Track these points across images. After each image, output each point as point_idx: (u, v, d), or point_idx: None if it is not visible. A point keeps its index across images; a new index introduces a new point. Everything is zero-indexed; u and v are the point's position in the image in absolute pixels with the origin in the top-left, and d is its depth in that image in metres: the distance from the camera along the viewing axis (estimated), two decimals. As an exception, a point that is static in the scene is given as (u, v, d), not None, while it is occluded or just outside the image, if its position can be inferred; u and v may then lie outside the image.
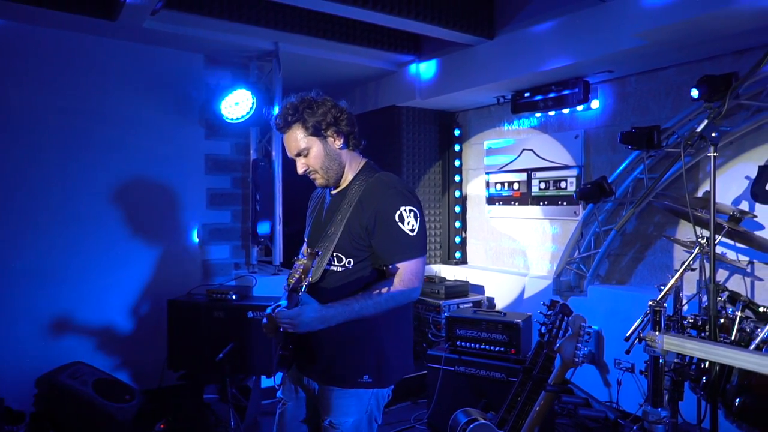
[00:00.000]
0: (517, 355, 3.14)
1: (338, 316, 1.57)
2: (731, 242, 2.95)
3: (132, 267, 3.65)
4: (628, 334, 2.08)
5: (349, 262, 1.66)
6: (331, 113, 1.68)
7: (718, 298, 2.10)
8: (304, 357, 1.71)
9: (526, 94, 4.10)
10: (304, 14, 3.68)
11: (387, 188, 1.67)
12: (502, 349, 3.18)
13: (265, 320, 1.63)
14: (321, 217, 1.78)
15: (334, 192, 1.77)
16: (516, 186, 4.51)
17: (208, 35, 3.54)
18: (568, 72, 3.65)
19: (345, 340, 1.65)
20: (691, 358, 2.16)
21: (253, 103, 3.71)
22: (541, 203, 4.31)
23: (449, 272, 4.84)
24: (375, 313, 1.59)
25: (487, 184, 4.77)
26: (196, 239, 3.86)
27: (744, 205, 3.03)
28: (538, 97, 4.01)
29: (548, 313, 2.21)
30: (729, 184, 3.12)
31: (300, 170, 1.71)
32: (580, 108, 3.96)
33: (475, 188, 4.96)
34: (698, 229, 2.19)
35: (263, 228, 3.87)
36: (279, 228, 3.94)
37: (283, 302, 1.63)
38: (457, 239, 5.00)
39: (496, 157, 4.69)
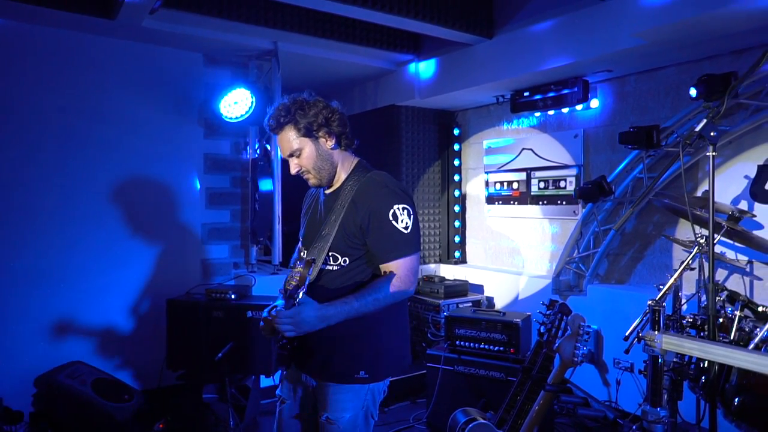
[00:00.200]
0: (516, 355, 3.14)
1: (338, 314, 1.59)
2: (730, 242, 2.95)
3: (131, 266, 3.65)
4: (627, 334, 2.08)
5: (345, 261, 1.69)
6: (322, 114, 1.71)
7: (717, 298, 2.10)
8: (302, 354, 1.73)
9: (526, 94, 4.10)
10: (303, 13, 3.68)
11: (380, 187, 1.70)
12: (501, 348, 3.18)
13: (262, 323, 1.65)
14: (315, 217, 1.80)
15: (327, 192, 1.79)
16: (515, 185, 4.51)
17: (207, 34, 3.53)
18: (568, 71, 3.65)
19: (342, 336, 1.67)
20: (690, 357, 2.16)
21: (252, 103, 3.70)
22: (541, 203, 4.31)
23: (448, 271, 4.84)
24: (373, 310, 1.61)
25: (487, 183, 4.77)
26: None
27: (743, 205, 3.03)
28: (538, 97, 4.01)
29: (547, 312, 2.21)
30: (728, 184, 3.12)
31: (293, 170, 1.74)
32: (579, 107, 3.95)
33: (474, 187, 4.95)
34: (697, 228, 2.19)
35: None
36: (278, 227, 3.94)
37: (280, 302, 1.64)
38: (457, 238, 5.00)
39: (495, 156, 4.68)
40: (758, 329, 2.01)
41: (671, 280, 2.01)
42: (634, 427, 2.54)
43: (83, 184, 3.50)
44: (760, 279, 3.02)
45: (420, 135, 4.95)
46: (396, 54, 4.30)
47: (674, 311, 2.43)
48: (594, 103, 3.91)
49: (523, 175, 4.45)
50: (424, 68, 4.41)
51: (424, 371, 3.45)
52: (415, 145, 4.92)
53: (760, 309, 2.13)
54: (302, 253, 1.81)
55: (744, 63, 3.08)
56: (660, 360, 1.54)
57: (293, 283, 1.55)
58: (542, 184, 4.30)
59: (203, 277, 3.90)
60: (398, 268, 1.64)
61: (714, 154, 1.66)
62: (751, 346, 1.90)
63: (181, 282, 3.70)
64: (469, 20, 3.71)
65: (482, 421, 2.14)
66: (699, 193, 3.26)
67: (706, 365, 2.06)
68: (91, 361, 3.29)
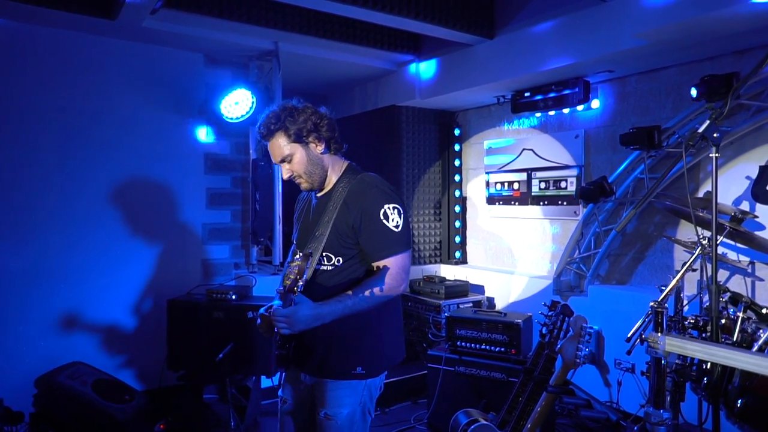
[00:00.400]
0: (518, 356, 3.14)
1: (333, 313, 1.64)
2: (732, 242, 2.95)
3: (131, 267, 3.64)
4: (629, 335, 2.08)
5: (339, 261, 1.74)
6: (311, 120, 1.76)
7: (720, 299, 2.09)
8: (301, 353, 1.77)
9: (527, 94, 4.10)
10: (303, 14, 3.67)
11: (370, 188, 1.75)
12: (502, 349, 3.18)
13: (259, 320, 1.70)
14: (308, 220, 1.85)
15: (319, 195, 1.85)
16: (516, 186, 4.51)
17: (207, 35, 3.53)
18: (569, 72, 3.64)
19: (339, 334, 1.72)
20: (693, 358, 2.15)
21: (252, 103, 3.70)
22: (541, 203, 4.31)
23: (449, 272, 4.83)
24: (367, 308, 1.67)
25: (487, 183, 4.77)
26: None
27: (744, 206, 3.02)
28: (539, 97, 4.01)
29: (549, 313, 2.21)
30: (729, 185, 3.12)
31: (285, 176, 1.80)
32: (580, 108, 3.95)
33: (475, 188, 4.95)
34: (699, 229, 2.18)
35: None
36: (279, 227, 3.94)
37: (276, 302, 1.69)
38: (457, 239, 4.99)
39: (496, 156, 4.68)
40: (761, 331, 2.00)
41: (673, 282, 2.01)
42: (635, 428, 2.54)
43: (83, 184, 3.50)
44: (761, 280, 3.02)
45: (420, 135, 4.94)
46: (396, 54, 4.30)
47: (676, 312, 2.42)
48: (595, 103, 3.91)
49: (523, 176, 4.44)
50: (425, 68, 4.41)
51: (425, 372, 3.45)
52: (415, 146, 4.92)
53: (763, 311, 2.13)
54: (297, 255, 1.84)
55: (746, 63, 3.08)
56: (663, 362, 1.54)
57: (291, 276, 1.60)
58: (543, 185, 4.30)
59: (204, 278, 3.90)
60: (389, 265, 1.69)
61: (717, 155, 1.65)
62: (755, 348, 1.90)
63: (182, 282, 3.69)
64: (470, 21, 3.71)
65: (484, 422, 2.14)
66: (700, 194, 3.26)
67: (708, 367, 2.05)
68: (92, 362, 3.28)
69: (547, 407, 2.01)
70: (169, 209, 3.82)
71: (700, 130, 1.62)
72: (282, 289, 1.66)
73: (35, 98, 3.35)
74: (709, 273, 2.73)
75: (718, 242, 1.75)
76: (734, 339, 2.04)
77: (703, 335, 2.24)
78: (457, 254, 4.98)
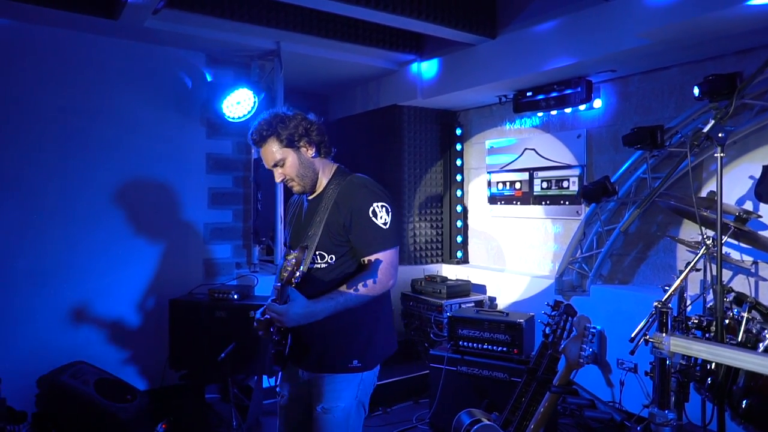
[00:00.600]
0: (520, 355, 3.13)
1: (325, 310, 1.71)
2: (735, 242, 2.94)
3: (133, 266, 3.64)
4: (633, 335, 2.07)
5: (332, 258, 1.81)
6: (302, 125, 1.83)
7: (724, 299, 2.08)
8: (298, 350, 1.83)
9: (529, 94, 4.09)
10: (305, 13, 3.67)
11: (359, 188, 1.83)
12: (504, 349, 3.17)
13: (255, 324, 1.77)
14: (301, 221, 1.92)
15: (310, 197, 1.92)
16: (518, 185, 4.50)
17: (209, 34, 3.52)
18: (571, 71, 3.64)
19: (335, 329, 1.79)
20: (696, 359, 2.15)
21: (254, 103, 3.70)
22: (543, 203, 4.30)
23: (451, 272, 4.83)
24: (358, 303, 1.74)
25: (489, 183, 4.76)
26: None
27: (748, 205, 3.02)
28: (541, 97, 4.00)
29: (552, 313, 2.20)
30: (733, 184, 3.11)
31: (278, 179, 1.87)
32: (582, 107, 3.95)
33: (476, 187, 4.95)
34: (703, 229, 2.18)
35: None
36: (280, 227, 3.93)
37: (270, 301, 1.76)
38: (459, 239, 4.99)
39: (497, 156, 4.68)
40: (766, 331, 2.00)
41: (677, 282, 2.00)
42: (639, 428, 2.53)
43: (85, 184, 3.49)
44: (765, 280, 3.01)
45: (422, 135, 4.94)
46: (398, 54, 4.29)
47: (679, 312, 2.42)
48: (597, 103, 3.90)
49: (525, 175, 4.44)
50: (427, 68, 4.40)
51: (427, 371, 3.45)
52: (417, 145, 4.91)
53: None
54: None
55: (749, 63, 3.07)
56: (668, 362, 1.53)
57: (289, 268, 1.67)
58: (545, 184, 4.29)
59: (206, 277, 3.90)
60: (378, 261, 1.76)
61: (722, 155, 1.65)
62: (761, 348, 1.89)
63: (184, 282, 3.69)
64: (472, 20, 3.70)
65: (488, 422, 2.14)
66: (704, 194, 3.25)
67: (712, 367, 2.05)
68: (94, 361, 3.28)
69: (550, 407, 2.00)
70: (170, 209, 3.81)
71: (705, 129, 1.62)
72: (279, 285, 1.72)
73: (36, 98, 3.35)
74: (713, 273, 2.73)
75: (722, 242, 1.75)
76: (739, 339, 2.04)
77: (707, 335, 2.23)
78: (459, 254, 4.98)
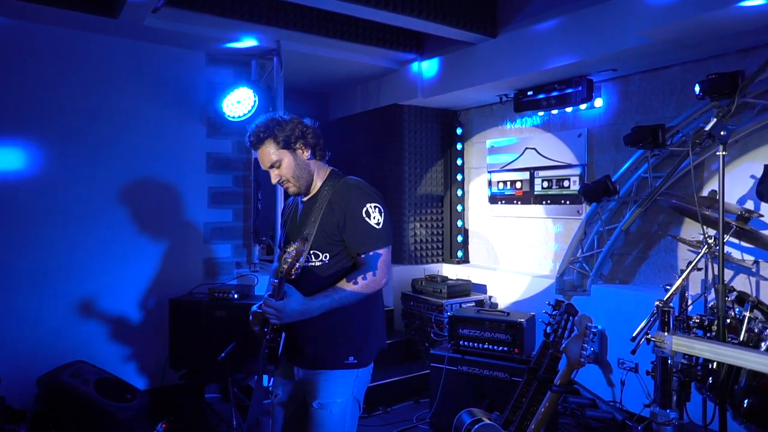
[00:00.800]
0: (521, 355, 3.13)
1: (321, 307, 1.75)
2: (736, 241, 2.94)
3: (133, 266, 3.64)
4: (634, 335, 2.07)
5: (326, 257, 1.85)
6: (298, 128, 1.89)
7: (726, 299, 2.07)
8: (293, 346, 1.85)
9: (529, 93, 4.08)
10: (306, 12, 3.66)
11: (353, 189, 1.88)
12: (505, 348, 3.17)
13: (251, 317, 1.84)
14: (296, 222, 1.96)
15: (305, 199, 1.96)
16: (518, 185, 4.50)
17: (209, 33, 3.52)
18: (572, 70, 3.63)
19: (329, 326, 1.82)
20: (698, 358, 2.14)
21: (254, 102, 3.69)
22: (544, 202, 4.30)
23: (451, 271, 4.82)
24: (353, 300, 1.78)
25: (490, 182, 4.75)
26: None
27: (749, 204, 3.01)
28: (541, 96, 3.99)
29: (553, 313, 2.19)
30: (734, 183, 3.10)
31: (274, 180, 1.91)
32: (583, 107, 3.94)
33: (477, 187, 4.94)
34: (705, 228, 2.17)
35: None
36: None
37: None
38: (459, 238, 4.98)
39: (498, 155, 4.67)
40: None
41: (679, 281, 2.00)
42: (639, 427, 2.53)
43: (84, 183, 3.49)
44: (766, 279, 3.00)
45: (422, 134, 4.93)
46: (399, 53, 4.28)
47: (681, 312, 2.41)
48: (598, 102, 3.90)
49: (526, 175, 4.43)
50: (427, 67, 4.40)
51: (428, 371, 3.44)
52: (417, 145, 4.90)
53: (770, 310, 2.11)
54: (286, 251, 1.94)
55: (751, 62, 3.06)
56: (670, 362, 1.52)
57: (289, 260, 1.70)
58: (546, 184, 4.29)
59: (206, 277, 3.89)
60: (372, 260, 1.81)
61: (724, 153, 1.64)
62: (763, 347, 1.88)
63: (184, 281, 3.69)
64: (473, 19, 3.69)
65: (488, 422, 2.13)
66: (705, 193, 3.24)
67: (714, 366, 2.04)
68: (94, 361, 3.27)
69: (551, 407, 2.00)
70: (170, 208, 3.81)
71: (707, 128, 1.61)
72: (276, 281, 1.75)
73: (36, 97, 3.34)
74: (714, 272, 2.72)
75: (724, 240, 1.74)
76: (741, 339, 2.03)
77: (708, 335, 2.22)
78: (459, 253, 4.97)
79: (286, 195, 2.07)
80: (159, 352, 3.53)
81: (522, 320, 3.17)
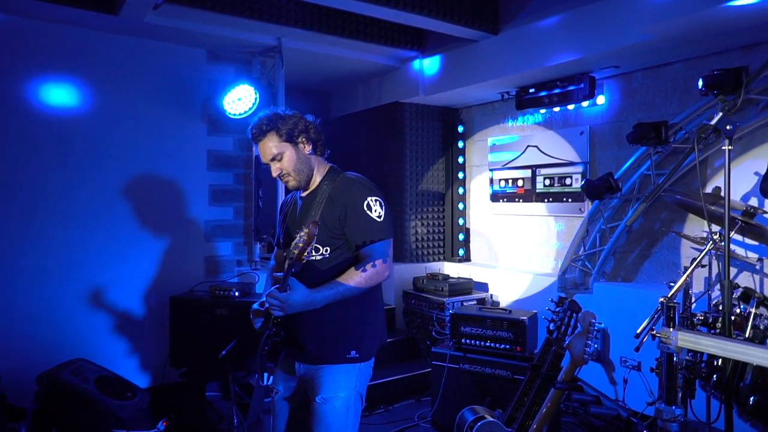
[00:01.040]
0: (523, 353, 3.11)
1: (325, 299, 1.76)
2: (740, 239, 2.92)
3: (133, 264, 3.63)
4: (638, 331, 2.05)
5: (327, 251, 1.85)
6: (301, 122, 1.90)
7: (731, 295, 2.06)
8: (294, 342, 1.85)
9: (531, 90, 4.07)
10: (307, 9, 3.65)
11: (353, 183, 1.89)
12: (507, 346, 3.15)
13: (253, 311, 1.84)
14: (295, 218, 1.96)
15: (304, 195, 1.96)
16: (520, 183, 4.48)
17: (210, 30, 3.51)
18: (574, 67, 3.61)
19: (331, 321, 1.82)
20: (702, 355, 2.12)
21: (255, 99, 3.68)
22: (546, 200, 4.28)
23: (452, 270, 4.80)
24: (356, 292, 1.79)
25: (491, 180, 4.74)
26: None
27: (753, 202, 2.99)
28: (543, 93, 3.98)
29: (556, 309, 2.18)
30: (738, 181, 3.08)
31: (274, 174, 1.90)
32: (585, 104, 3.92)
33: (478, 185, 4.92)
34: (710, 224, 2.15)
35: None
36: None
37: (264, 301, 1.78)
38: (461, 236, 4.97)
39: (500, 153, 4.65)
40: (773, 327, 1.97)
41: (684, 277, 1.98)
42: (644, 425, 2.51)
43: (85, 181, 3.48)
44: (770, 276, 2.99)
45: (424, 132, 4.91)
46: (400, 50, 4.27)
47: (685, 309, 2.39)
48: (600, 99, 3.88)
49: (528, 173, 4.41)
50: (429, 65, 4.38)
51: (429, 369, 3.42)
52: (419, 143, 4.89)
53: (776, 307, 2.10)
54: (286, 252, 1.91)
55: (754, 58, 3.04)
56: (675, 358, 1.51)
57: (300, 245, 1.68)
58: (548, 182, 4.27)
59: (206, 275, 3.88)
60: (374, 253, 1.81)
61: (730, 147, 1.62)
62: (770, 343, 1.86)
63: (185, 279, 3.68)
64: (474, 15, 3.68)
65: (491, 419, 2.12)
66: (708, 190, 3.22)
67: (719, 363, 2.02)
68: (94, 359, 3.26)
69: (554, 404, 1.99)
70: (171, 206, 3.80)
71: (713, 122, 1.60)
72: (280, 275, 1.74)
73: (36, 94, 3.33)
74: (718, 270, 2.71)
75: (730, 235, 1.72)
76: (746, 335, 2.02)
77: (713, 332, 2.20)
78: (461, 252, 4.95)
79: (287, 192, 2.06)
80: (160, 350, 3.52)
81: (524, 318, 3.16)
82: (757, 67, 2.84)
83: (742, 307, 2.15)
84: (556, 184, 4.21)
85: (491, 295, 4.46)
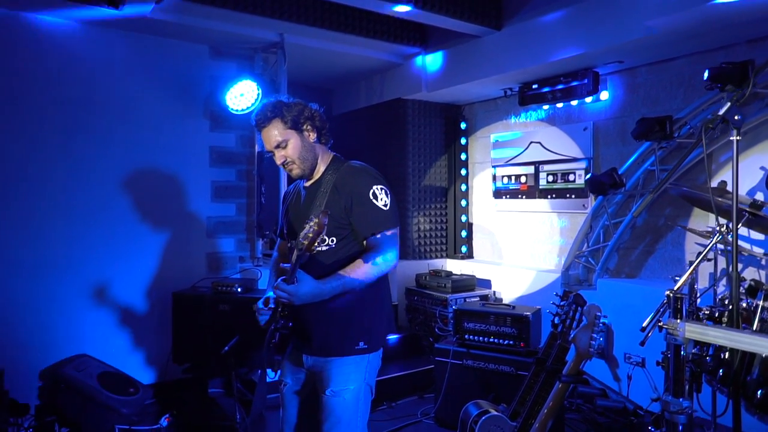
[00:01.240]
0: (527, 349, 3.09)
1: (333, 290, 1.73)
2: (746, 235, 2.90)
3: (136, 259, 3.62)
4: (644, 325, 2.03)
5: (333, 241, 1.82)
6: (306, 110, 1.88)
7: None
8: (302, 334, 1.83)
9: (534, 86, 4.05)
10: (309, 4, 3.64)
11: (358, 172, 1.87)
12: (511, 342, 3.14)
13: (258, 309, 1.80)
14: (299, 208, 1.92)
15: (307, 184, 1.93)
16: (523, 179, 4.47)
17: (213, 26, 3.50)
18: (578, 63, 3.60)
19: (338, 312, 1.79)
20: (708, 349, 2.11)
21: (258, 94, 3.67)
22: (549, 196, 4.26)
23: (455, 266, 4.79)
24: (364, 283, 1.76)
25: (494, 177, 4.72)
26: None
27: (759, 197, 2.96)
28: (547, 89, 3.96)
29: (561, 303, 2.17)
30: (743, 175, 3.02)
31: (278, 161, 1.87)
32: (589, 100, 3.91)
33: (481, 182, 4.91)
34: (717, 216, 2.13)
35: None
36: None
37: (271, 294, 1.77)
38: (464, 233, 4.95)
39: (503, 150, 4.64)
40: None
41: (690, 270, 1.97)
42: (648, 418, 2.49)
43: (87, 176, 3.47)
44: (776, 272, 2.97)
45: (426, 129, 4.90)
46: (403, 47, 4.26)
47: (690, 303, 2.38)
48: (604, 95, 3.86)
49: (531, 169, 4.40)
50: (431, 61, 4.37)
51: (432, 366, 3.41)
52: (421, 139, 4.88)
53: (784, 300, 2.07)
54: (291, 243, 1.92)
55: (760, 52, 3.02)
56: (683, 350, 1.49)
57: (310, 235, 1.65)
58: (551, 178, 4.25)
59: (209, 271, 3.88)
60: (381, 242, 1.78)
61: (738, 138, 1.61)
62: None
63: (187, 275, 3.67)
64: (477, 11, 3.67)
65: (495, 413, 2.10)
66: (714, 185, 3.20)
67: (726, 356, 2.01)
68: (97, 354, 3.26)
69: (559, 398, 1.97)
70: (173, 202, 3.79)
71: (721, 112, 1.58)
72: (287, 266, 1.71)
73: (38, 89, 3.33)
74: (723, 265, 2.69)
75: (738, 226, 1.71)
76: (754, 328, 2.00)
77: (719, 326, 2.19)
78: (464, 249, 4.94)
79: (290, 183, 2.04)
80: (162, 346, 3.51)
81: (528, 313, 3.14)
82: (763, 61, 2.82)
83: (748, 300, 2.13)
84: (559, 181, 4.20)
85: (494, 292, 4.44)
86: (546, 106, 4.27)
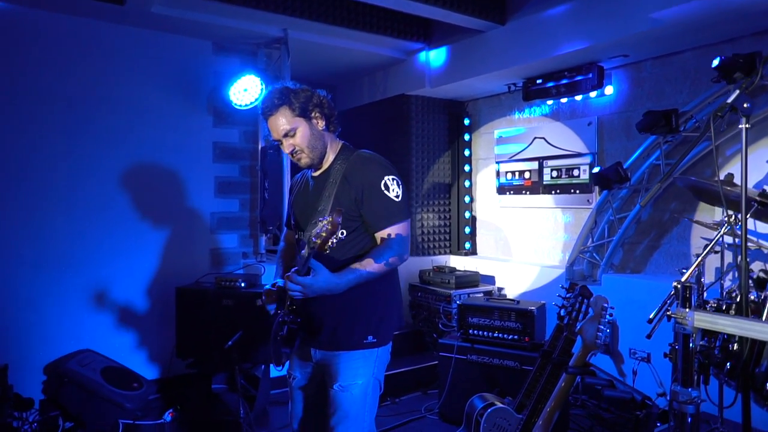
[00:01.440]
0: (531, 343, 3.08)
1: (349, 282, 1.68)
2: (752, 228, 2.88)
3: (139, 255, 3.62)
4: (651, 316, 2.02)
5: (342, 234, 1.73)
6: (314, 97, 1.83)
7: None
8: (310, 329, 1.78)
9: (538, 81, 4.04)
10: (313, -1, 3.63)
11: (369, 162, 1.81)
12: (515, 337, 3.12)
13: (266, 292, 1.76)
14: (308, 198, 1.87)
15: (315, 174, 1.88)
16: (527, 175, 4.45)
17: (216, 21, 3.49)
18: (582, 57, 3.58)
19: (347, 305, 1.75)
20: (715, 340, 2.09)
21: (261, 90, 3.66)
22: (553, 192, 4.25)
23: (459, 263, 4.78)
24: (376, 276, 1.71)
25: (498, 173, 4.71)
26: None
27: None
28: (551, 84, 3.94)
29: (567, 295, 2.16)
30: (750, 169, 2.99)
31: (287, 150, 1.81)
32: (593, 94, 3.89)
33: (485, 178, 4.89)
34: (725, 207, 2.12)
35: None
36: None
37: (280, 281, 1.74)
38: (467, 229, 4.94)
39: (506, 146, 4.62)
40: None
41: (697, 261, 1.95)
42: (656, 413, 2.47)
43: (91, 172, 3.47)
44: (783, 266, 2.95)
45: (430, 125, 4.89)
46: (406, 42, 4.24)
47: (697, 296, 2.36)
48: (609, 89, 3.84)
49: (535, 165, 4.38)
50: (435, 56, 4.35)
51: (436, 362, 3.40)
52: (425, 135, 4.87)
53: (791, 292, 2.06)
54: (298, 234, 1.88)
55: (766, 44, 3.00)
56: (691, 341, 1.48)
57: (323, 234, 1.57)
58: (555, 173, 4.24)
59: (212, 267, 3.87)
60: (393, 234, 1.74)
61: (747, 126, 1.59)
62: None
63: (191, 271, 3.67)
64: (481, 5, 3.65)
65: (501, 405, 2.09)
66: (721, 177, 3.18)
67: (734, 348, 1.99)
68: (101, 349, 3.26)
69: (565, 390, 1.96)
70: (177, 198, 3.79)
71: (730, 100, 1.56)
72: (303, 252, 1.65)
73: (42, 85, 3.33)
74: (729, 260, 2.67)
75: (747, 216, 1.69)
76: (763, 319, 1.98)
77: (726, 319, 2.17)
78: (467, 245, 4.93)
79: (295, 172, 2.01)
80: (166, 341, 3.51)
81: (532, 308, 3.13)
82: (769, 53, 2.79)
83: (756, 293, 2.12)
84: (563, 176, 4.18)
85: (498, 288, 4.43)
86: (550, 102, 4.25)
